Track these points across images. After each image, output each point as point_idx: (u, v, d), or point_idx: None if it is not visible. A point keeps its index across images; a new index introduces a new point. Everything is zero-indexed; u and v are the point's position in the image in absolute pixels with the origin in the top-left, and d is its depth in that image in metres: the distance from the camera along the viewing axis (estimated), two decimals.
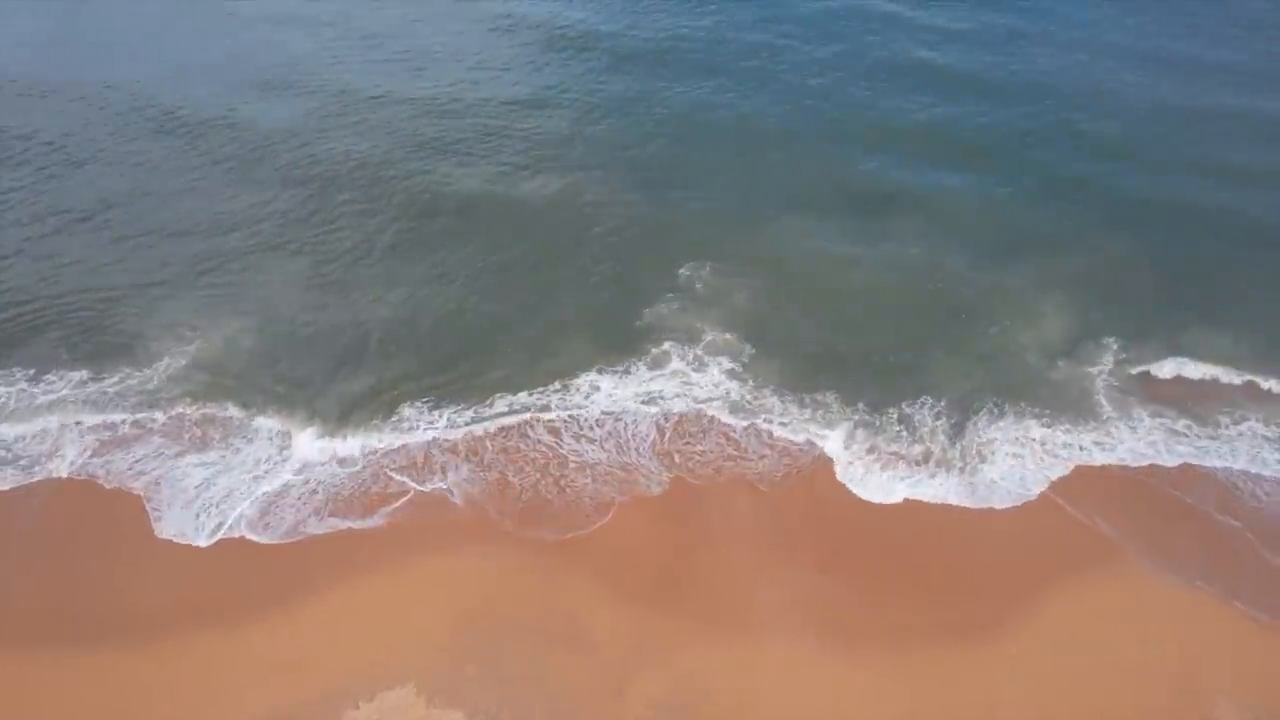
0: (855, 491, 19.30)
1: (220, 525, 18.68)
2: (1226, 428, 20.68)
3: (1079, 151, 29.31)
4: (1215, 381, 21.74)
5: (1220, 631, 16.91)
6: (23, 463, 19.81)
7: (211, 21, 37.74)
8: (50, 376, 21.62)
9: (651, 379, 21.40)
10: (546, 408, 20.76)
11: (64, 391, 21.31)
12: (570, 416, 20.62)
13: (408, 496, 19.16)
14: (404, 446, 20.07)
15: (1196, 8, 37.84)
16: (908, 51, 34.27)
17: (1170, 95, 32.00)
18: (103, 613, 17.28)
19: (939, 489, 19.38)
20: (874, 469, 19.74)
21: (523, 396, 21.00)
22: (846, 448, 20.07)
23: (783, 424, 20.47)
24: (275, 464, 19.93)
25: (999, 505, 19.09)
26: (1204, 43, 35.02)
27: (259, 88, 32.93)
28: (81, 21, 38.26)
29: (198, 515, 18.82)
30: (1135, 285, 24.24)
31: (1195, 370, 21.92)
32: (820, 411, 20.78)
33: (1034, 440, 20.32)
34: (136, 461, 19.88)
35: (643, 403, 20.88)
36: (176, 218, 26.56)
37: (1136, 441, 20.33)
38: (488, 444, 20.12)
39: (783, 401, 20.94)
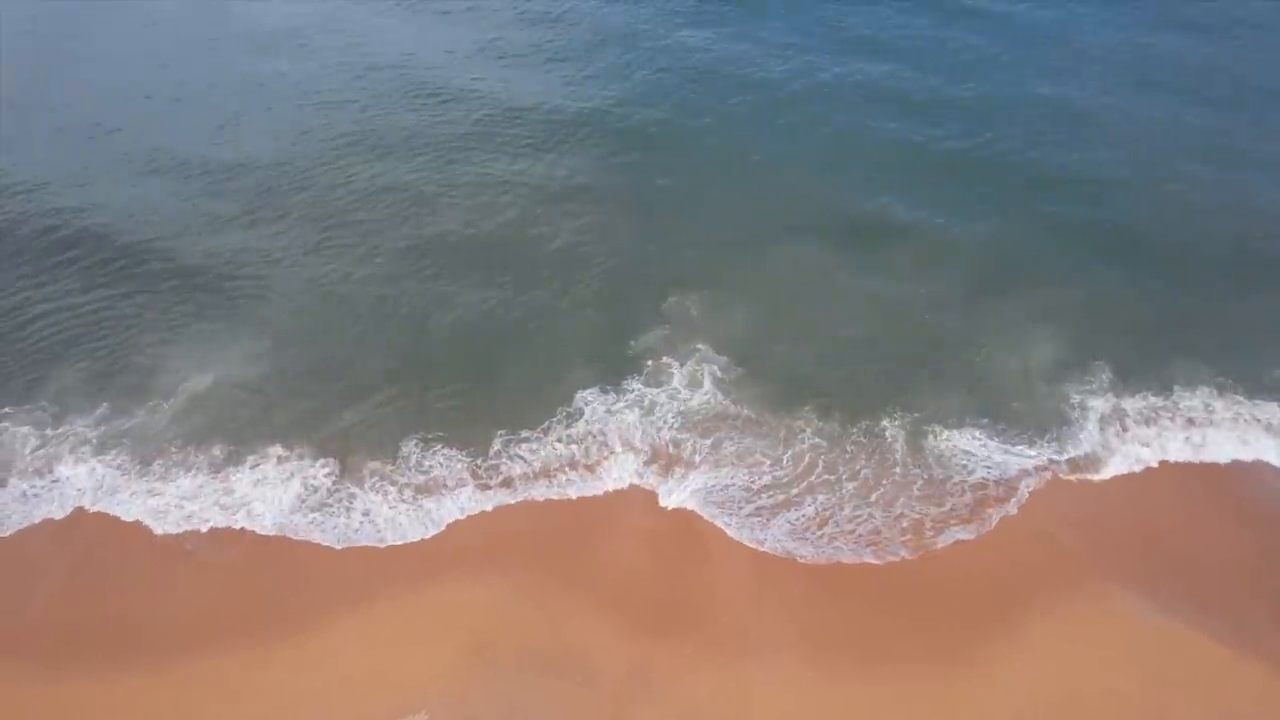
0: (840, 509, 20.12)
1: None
2: (1210, 456, 21.44)
3: (1072, 181, 29.85)
4: (1205, 410, 22.45)
5: (1194, 661, 17.63)
6: (38, 497, 20.52)
7: (201, 50, 37.93)
8: (64, 407, 22.34)
9: (643, 404, 22.14)
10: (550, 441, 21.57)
11: (80, 424, 21.98)
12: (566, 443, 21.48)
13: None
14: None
15: (1193, 31, 38.34)
16: (898, 79, 34.74)
17: (1166, 120, 32.65)
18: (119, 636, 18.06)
19: (924, 506, 20.24)
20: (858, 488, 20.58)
21: (522, 422, 21.83)
22: (821, 472, 20.91)
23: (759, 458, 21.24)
24: (283, 497, 20.65)
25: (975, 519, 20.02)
26: (1202, 71, 35.55)
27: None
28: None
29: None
30: (1126, 314, 24.90)
31: (1185, 399, 22.64)
32: (804, 436, 21.57)
33: (1012, 463, 21.10)
34: (151, 492, 20.62)
35: (635, 429, 21.66)
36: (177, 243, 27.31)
37: (1120, 468, 21.12)
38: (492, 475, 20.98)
39: (764, 432, 21.74)
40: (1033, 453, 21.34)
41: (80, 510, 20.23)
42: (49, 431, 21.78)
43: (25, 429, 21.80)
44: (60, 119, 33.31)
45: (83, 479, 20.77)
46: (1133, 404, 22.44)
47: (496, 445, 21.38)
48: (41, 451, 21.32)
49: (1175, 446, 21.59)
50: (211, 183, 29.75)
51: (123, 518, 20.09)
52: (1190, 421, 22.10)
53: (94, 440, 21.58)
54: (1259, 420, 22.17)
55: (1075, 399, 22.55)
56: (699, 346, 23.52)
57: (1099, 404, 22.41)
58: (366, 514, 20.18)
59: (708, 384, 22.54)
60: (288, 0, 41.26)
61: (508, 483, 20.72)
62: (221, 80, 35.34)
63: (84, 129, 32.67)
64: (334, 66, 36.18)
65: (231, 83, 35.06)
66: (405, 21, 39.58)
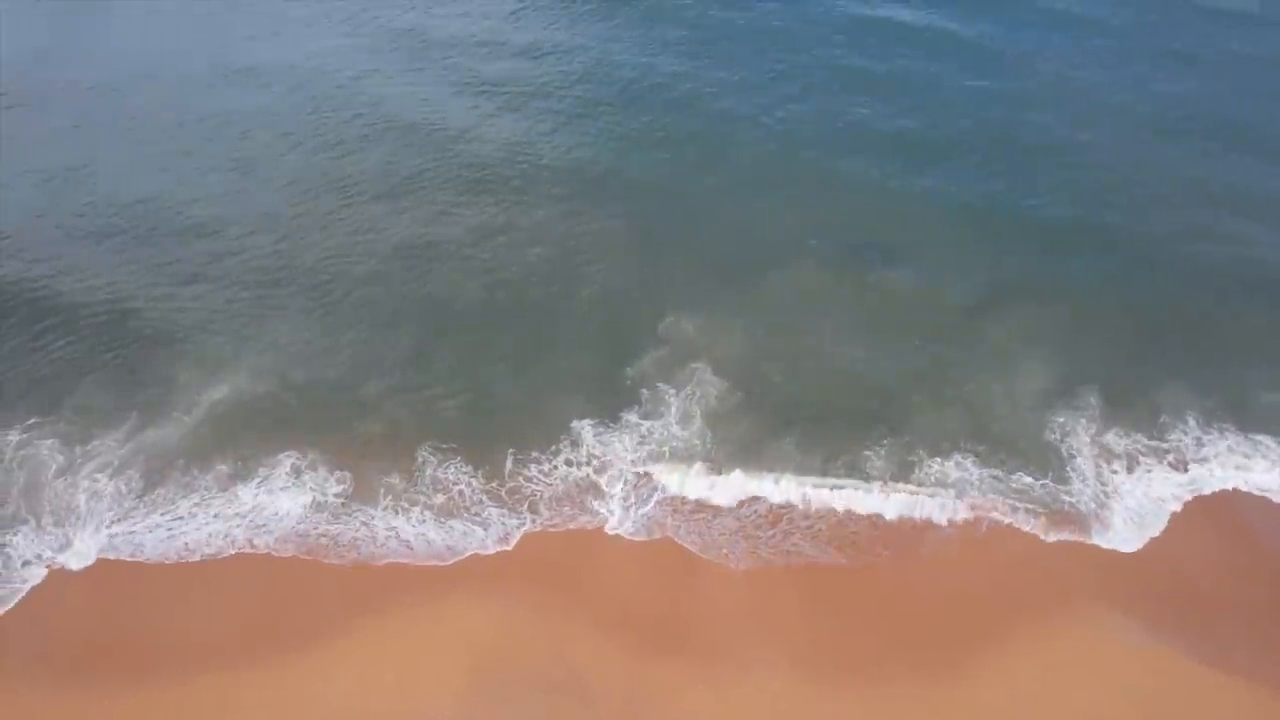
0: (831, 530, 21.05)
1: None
2: (1198, 481, 22.15)
3: (1070, 201, 30.44)
4: (1194, 442, 23.02)
5: (1178, 685, 18.40)
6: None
7: (221, 69, 38.59)
8: (87, 422, 23.25)
9: (638, 431, 22.93)
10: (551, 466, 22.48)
11: (101, 441, 22.85)
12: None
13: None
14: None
15: (1189, 55, 38.82)
16: (895, 112, 35.07)
17: (1156, 149, 33.22)
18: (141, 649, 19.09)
19: (912, 529, 21.14)
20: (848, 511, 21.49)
21: (526, 447, 22.64)
22: (813, 493, 21.75)
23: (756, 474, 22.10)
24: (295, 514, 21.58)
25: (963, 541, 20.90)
26: (1192, 103, 35.95)
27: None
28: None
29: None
30: (1115, 338, 25.50)
31: (1171, 428, 23.25)
32: (794, 460, 22.37)
33: (998, 485, 21.88)
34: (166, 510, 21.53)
35: (631, 457, 22.46)
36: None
37: (1105, 496, 21.77)
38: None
39: (758, 452, 22.53)
40: (1019, 481, 22.02)
41: (99, 527, 21.14)
42: (76, 449, 22.59)
43: (51, 441, 22.65)
44: (68, 120, 34.28)
45: (104, 496, 21.66)
46: (1119, 434, 23.04)
47: (505, 475, 22.12)
48: (65, 475, 22.10)
49: (1161, 477, 22.21)
50: (219, 206, 30.47)
51: (139, 535, 21.01)
52: (1177, 452, 22.69)
53: (115, 460, 22.37)
54: (1245, 453, 22.72)
55: (1064, 426, 23.16)
56: (696, 366, 24.32)
57: (1086, 431, 23.07)
58: (368, 527, 21.12)
59: (699, 416, 23.22)
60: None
61: (524, 509, 21.57)
62: (230, 110, 36.02)
63: (98, 137, 33.62)
64: (341, 108, 36.65)
65: (243, 112, 35.69)
66: (408, 65, 39.80)
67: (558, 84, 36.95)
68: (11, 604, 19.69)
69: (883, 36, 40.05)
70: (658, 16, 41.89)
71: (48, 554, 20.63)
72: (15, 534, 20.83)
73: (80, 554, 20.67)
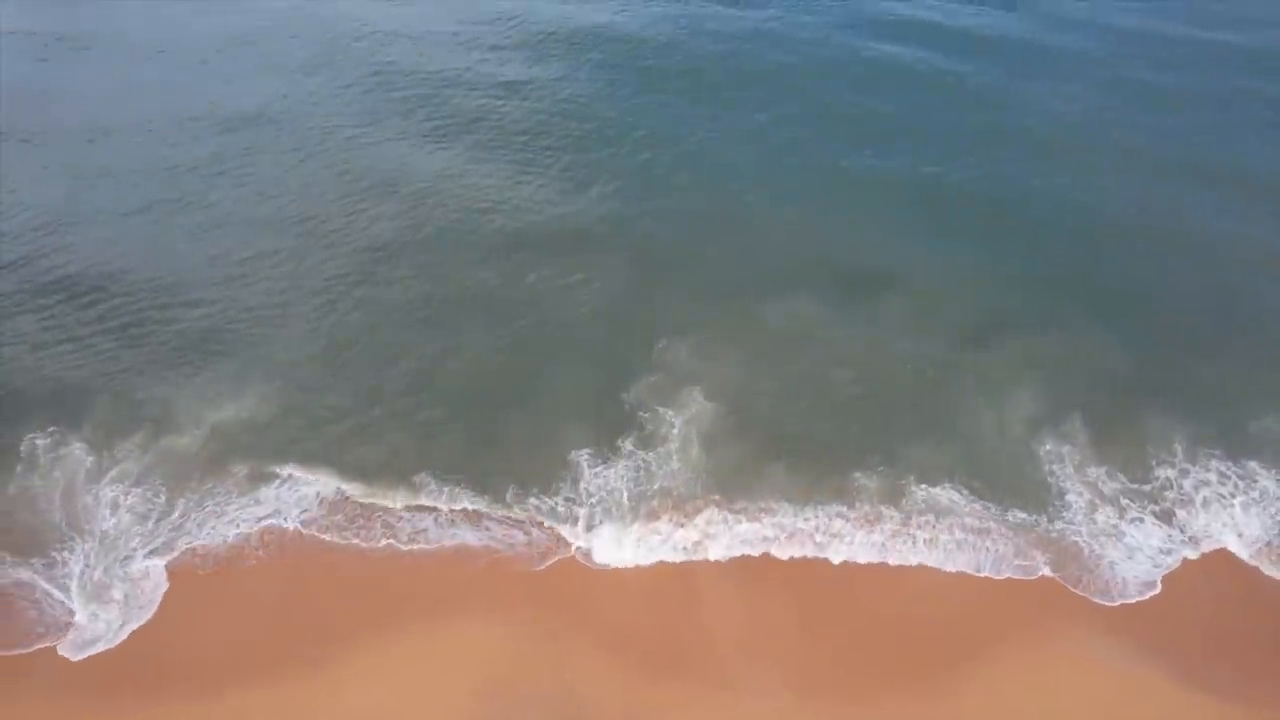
0: (825, 555, 21.70)
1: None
2: (1187, 518, 22.64)
3: (1068, 229, 31.46)
4: (1181, 470, 23.60)
5: (1162, 707, 18.99)
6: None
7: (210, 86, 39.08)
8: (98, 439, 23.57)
9: (635, 463, 23.43)
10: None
11: (113, 457, 23.22)
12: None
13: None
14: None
15: (1181, 90, 40.20)
16: (890, 139, 36.22)
17: (1160, 169, 34.48)
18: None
19: (902, 554, 21.80)
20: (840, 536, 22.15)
21: (525, 476, 23.12)
22: (806, 520, 22.37)
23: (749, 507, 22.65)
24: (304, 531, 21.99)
25: (952, 568, 21.55)
26: (1185, 132, 37.24)
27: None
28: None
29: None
30: (1107, 369, 26.17)
31: (1160, 458, 23.83)
32: (787, 488, 22.97)
33: (987, 513, 22.55)
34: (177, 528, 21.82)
35: (629, 488, 22.95)
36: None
37: (1091, 528, 22.34)
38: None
39: (752, 481, 23.13)
40: (1008, 512, 22.63)
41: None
42: (87, 462, 22.98)
43: (76, 451, 23.10)
44: (71, 156, 34.55)
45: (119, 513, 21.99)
46: (1107, 470, 23.52)
47: (507, 499, 22.58)
48: (85, 491, 22.44)
49: (1148, 530, 22.56)
50: (225, 231, 30.95)
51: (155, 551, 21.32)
52: (1164, 486, 23.21)
53: (127, 476, 22.72)
54: (1232, 489, 23.19)
55: (1054, 457, 23.75)
56: (691, 394, 24.92)
57: (1072, 463, 23.66)
58: (370, 549, 21.54)
59: (696, 446, 23.77)
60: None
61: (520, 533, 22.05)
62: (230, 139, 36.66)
63: (99, 162, 33.99)
64: (349, 113, 37.58)
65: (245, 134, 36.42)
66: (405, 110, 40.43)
67: (548, 120, 37.78)
68: None
69: (877, 69, 41.34)
70: (643, 46, 43.10)
71: None
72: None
73: None
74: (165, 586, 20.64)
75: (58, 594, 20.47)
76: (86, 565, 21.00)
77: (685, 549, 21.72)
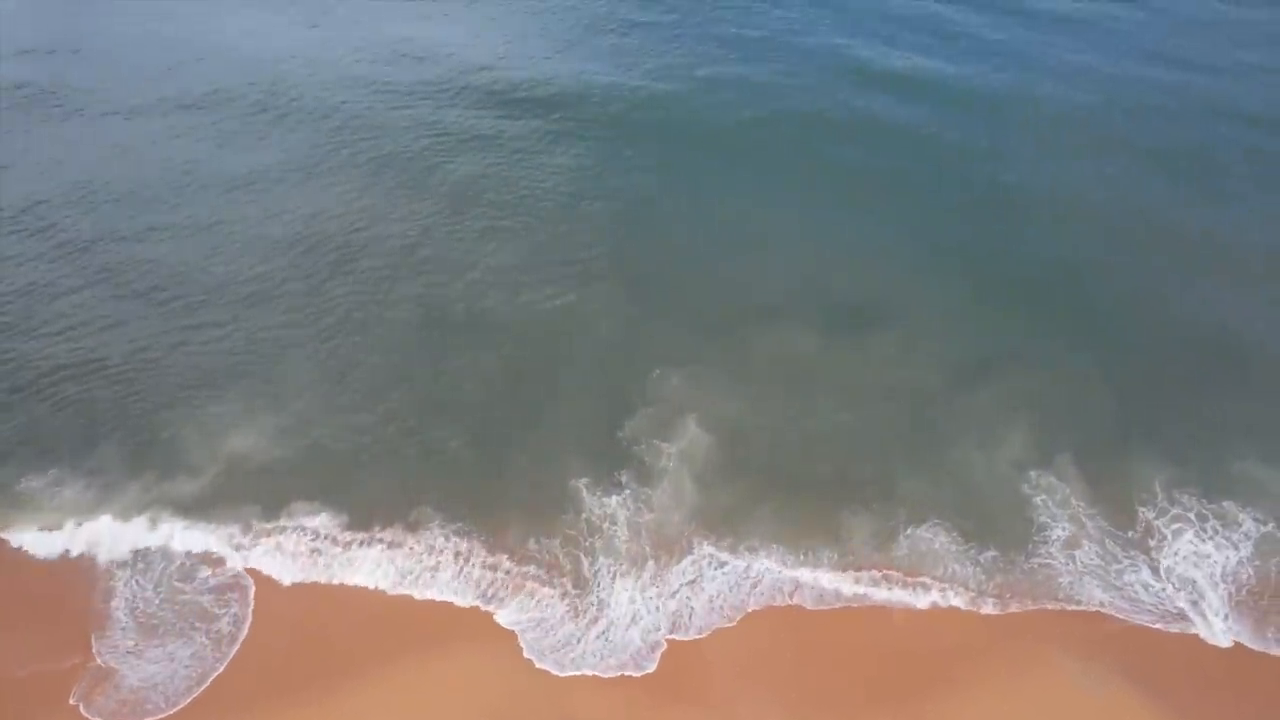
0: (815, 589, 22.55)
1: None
2: (1172, 556, 23.28)
3: (1049, 273, 31.79)
4: (1161, 509, 24.24)
5: None
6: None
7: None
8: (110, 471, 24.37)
9: (630, 503, 24.08)
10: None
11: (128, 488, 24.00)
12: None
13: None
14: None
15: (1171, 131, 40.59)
16: (884, 172, 36.62)
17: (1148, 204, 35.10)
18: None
19: (888, 589, 22.63)
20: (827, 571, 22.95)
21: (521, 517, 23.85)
22: (790, 567, 23.04)
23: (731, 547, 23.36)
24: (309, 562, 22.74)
25: (941, 604, 22.39)
26: (1177, 173, 37.52)
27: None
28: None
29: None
30: (1096, 405, 26.74)
31: (1143, 500, 24.41)
32: (777, 527, 23.70)
33: (970, 549, 23.39)
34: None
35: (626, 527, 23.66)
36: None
37: (1071, 564, 23.05)
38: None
39: (743, 519, 23.84)
40: (990, 548, 23.34)
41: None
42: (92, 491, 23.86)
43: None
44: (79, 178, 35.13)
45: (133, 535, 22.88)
46: (1088, 508, 24.12)
47: (510, 543, 23.30)
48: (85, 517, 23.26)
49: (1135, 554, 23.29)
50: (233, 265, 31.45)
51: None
52: (1146, 526, 23.83)
53: (142, 504, 23.59)
54: (1212, 529, 23.79)
55: (1039, 491, 24.44)
56: (687, 425, 25.66)
57: (1058, 499, 24.34)
58: (374, 584, 22.32)
59: (689, 485, 24.43)
60: None
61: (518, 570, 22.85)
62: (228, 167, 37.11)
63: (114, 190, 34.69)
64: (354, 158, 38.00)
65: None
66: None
67: (549, 144, 38.22)
68: None
69: (874, 101, 41.52)
70: (635, 64, 43.56)
71: None
72: None
73: None
74: None
75: None
76: None
77: (680, 587, 22.44)
